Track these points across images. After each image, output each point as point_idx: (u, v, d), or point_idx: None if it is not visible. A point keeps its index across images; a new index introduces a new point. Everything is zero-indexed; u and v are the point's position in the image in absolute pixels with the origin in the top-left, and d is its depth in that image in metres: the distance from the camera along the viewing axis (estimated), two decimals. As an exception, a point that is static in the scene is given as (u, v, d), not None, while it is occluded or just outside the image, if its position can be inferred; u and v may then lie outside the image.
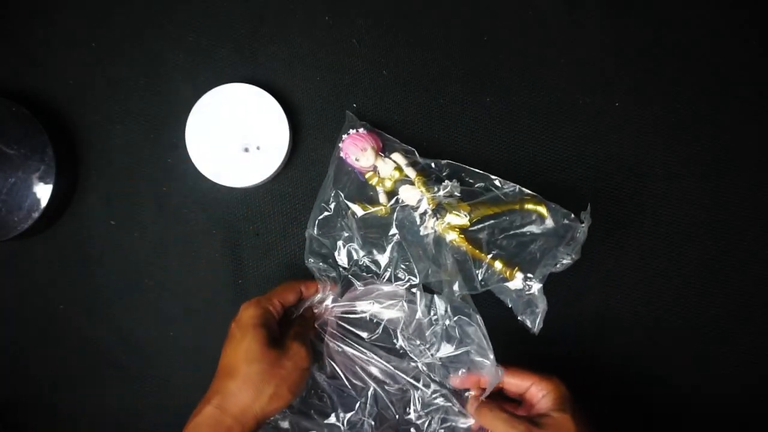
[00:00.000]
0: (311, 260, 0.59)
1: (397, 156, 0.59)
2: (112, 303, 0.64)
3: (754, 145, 0.62)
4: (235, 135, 0.61)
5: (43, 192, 0.61)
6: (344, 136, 0.59)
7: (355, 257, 0.59)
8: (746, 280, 0.63)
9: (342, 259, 0.59)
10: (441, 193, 0.57)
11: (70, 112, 0.64)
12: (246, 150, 0.62)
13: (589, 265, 0.62)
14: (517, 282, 0.57)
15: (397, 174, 0.58)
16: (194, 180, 0.63)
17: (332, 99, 0.64)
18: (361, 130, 0.59)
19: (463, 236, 0.58)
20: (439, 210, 0.57)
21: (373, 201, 0.60)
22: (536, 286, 0.56)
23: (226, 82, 0.62)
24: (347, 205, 0.59)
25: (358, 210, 0.59)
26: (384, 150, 0.60)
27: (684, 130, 0.63)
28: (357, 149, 0.58)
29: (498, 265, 0.57)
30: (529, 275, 0.56)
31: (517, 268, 0.57)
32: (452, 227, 0.57)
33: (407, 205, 0.59)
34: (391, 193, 0.59)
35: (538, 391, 0.52)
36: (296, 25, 0.64)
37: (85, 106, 0.64)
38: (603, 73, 0.63)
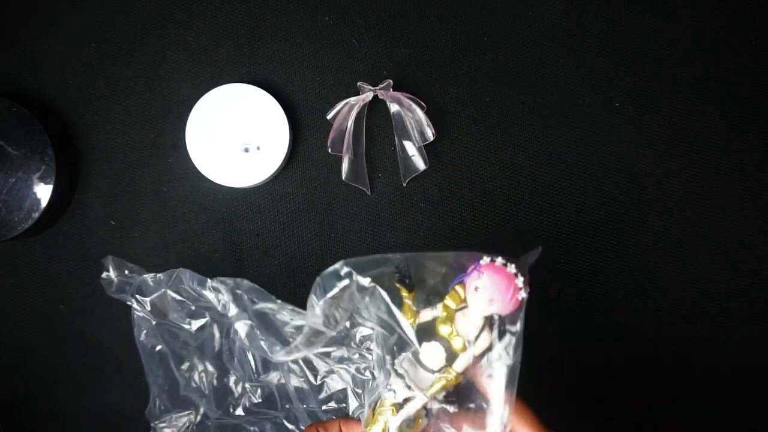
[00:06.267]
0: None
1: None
2: (112, 303, 0.64)
3: (754, 145, 0.62)
4: (235, 135, 0.61)
5: (43, 192, 0.61)
6: (509, 266, 0.38)
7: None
8: (746, 280, 0.63)
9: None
10: (435, 406, 0.41)
11: (70, 112, 0.64)
12: (246, 150, 0.62)
13: (588, 264, 0.62)
14: None
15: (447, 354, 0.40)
16: (194, 180, 0.63)
17: (332, 99, 0.64)
18: (520, 280, 0.38)
19: None
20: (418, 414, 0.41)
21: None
22: None
23: (226, 82, 0.62)
24: (399, 288, 0.41)
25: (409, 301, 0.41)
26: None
27: (684, 130, 0.63)
28: (493, 290, 0.38)
29: None
30: None
31: None
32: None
33: (421, 359, 0.41)
34: (420, 333, 0.41)
35: None
36: (296, 25, 0.64)
37: (85, 106, 0.64)
38: (603, 73, 0.63)
